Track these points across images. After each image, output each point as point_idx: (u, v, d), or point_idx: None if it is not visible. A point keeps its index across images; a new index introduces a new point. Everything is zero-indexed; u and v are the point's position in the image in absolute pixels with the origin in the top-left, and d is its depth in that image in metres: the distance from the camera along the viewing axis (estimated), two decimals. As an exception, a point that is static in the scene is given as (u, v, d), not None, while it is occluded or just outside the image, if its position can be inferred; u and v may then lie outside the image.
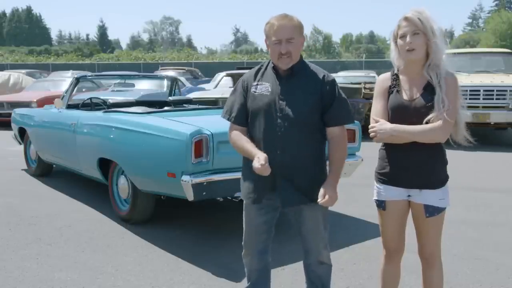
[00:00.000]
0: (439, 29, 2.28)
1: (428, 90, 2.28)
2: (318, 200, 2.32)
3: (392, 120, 2.33)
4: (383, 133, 2.30)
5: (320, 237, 2.57)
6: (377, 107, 2.40)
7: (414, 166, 2.32)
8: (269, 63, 2.51)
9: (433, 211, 2.35)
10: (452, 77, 2.29)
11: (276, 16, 2.40)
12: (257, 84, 2.45)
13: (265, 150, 2.39)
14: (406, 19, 2.28)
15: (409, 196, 2.39)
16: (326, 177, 2.46)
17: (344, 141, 2.46)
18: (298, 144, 2.39)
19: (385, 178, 2.41)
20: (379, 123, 2.32)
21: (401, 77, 2.38)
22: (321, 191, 2.34)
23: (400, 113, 2.31)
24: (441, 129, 2.22)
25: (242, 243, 2.66)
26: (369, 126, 2.36)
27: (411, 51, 2.27)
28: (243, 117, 2.49)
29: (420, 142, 2.28)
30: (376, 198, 2.49)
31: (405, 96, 2.33)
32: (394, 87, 2.37)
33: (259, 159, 2.27)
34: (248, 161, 2.44)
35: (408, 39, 2.26)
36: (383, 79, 2.44)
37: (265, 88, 2.42)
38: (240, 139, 2.46)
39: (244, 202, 2.60)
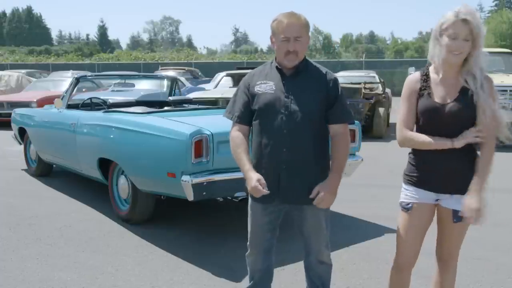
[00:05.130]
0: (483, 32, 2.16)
1: (464, 94, 2.19)
2: (314, 201, 2.33)
3: (423, 124, 2.25)
4: None
5: (322, 236, 2.58)
6: (403, 110, 2.30)
7: (446, 172, 2.25)
8: (271, 63, 2.50)
9: (461, 216, 2.28)
10: (488, 81, 2.19)
11: (284, 13, 2.40)
12: (260, 83, 2.44)
13: (272, 149, 2.40)
14: (464, 21, 2.13)
15: (437, 200, 2.32)
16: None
17: (347, 138, 2.48)
18: (305, 142, 2.40)
19: (415, 180, 2.33)
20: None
21: (432, 77, 2.27)
22: (315, 189, 2.35)
23: (432, 117, 2.23)
24: (493, 147, 2.19)
25: (247, 243, 2.65)
26: (401, 133, 2.28)
27: (458, 55, 2.17)
28: (246, 116, 2.48)
29: (452, 149, 2.20)
30: (402, 200, 2.39)
31: (437, 99, 2.23)
32: (424, 89, 2.26)
33: (260, 181, 2.32)
34: (257, 161, 2.45)
35: (458, 42, 2.14)
36: (412, 81, 2.31)
37: (269, 87, 2.42)
38: (240, 146, 2.44)
39: (249, 202, 2.58)
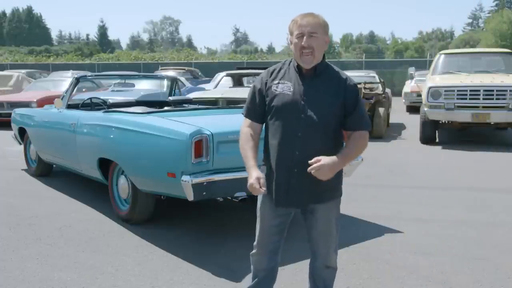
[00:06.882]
0: None
1: None
2: (310, 163, 2.25)
3: None
4: None
5: (332, 239, 2.56)
6: None
7: None
8: (291, 62, 2.46)
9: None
10: None
11: (302, 13, 2.39)
12: (278, 83, 2.40)
13: (284, 150, 2.37)
14: None
15: None
16: (340, 180, 2.53)
17: (364, 139, 2.41)
18: (318, 145, 2.35)
19: None
20: None
21: None
22: (315, 158, 2.27)
23: None
24: None
25: (254, 243, 2.64)
26: None
27: None
28: (258, 114, 2.46)
29: None
30: None
31: None
32: None
33: (259, 180, 2.29)
34: (267, 161, 2.44)
35: None
36: None
37: (287, 87, 2.37)
38: (248, 142, 2.41)
39: (258, 203, 2.56)
